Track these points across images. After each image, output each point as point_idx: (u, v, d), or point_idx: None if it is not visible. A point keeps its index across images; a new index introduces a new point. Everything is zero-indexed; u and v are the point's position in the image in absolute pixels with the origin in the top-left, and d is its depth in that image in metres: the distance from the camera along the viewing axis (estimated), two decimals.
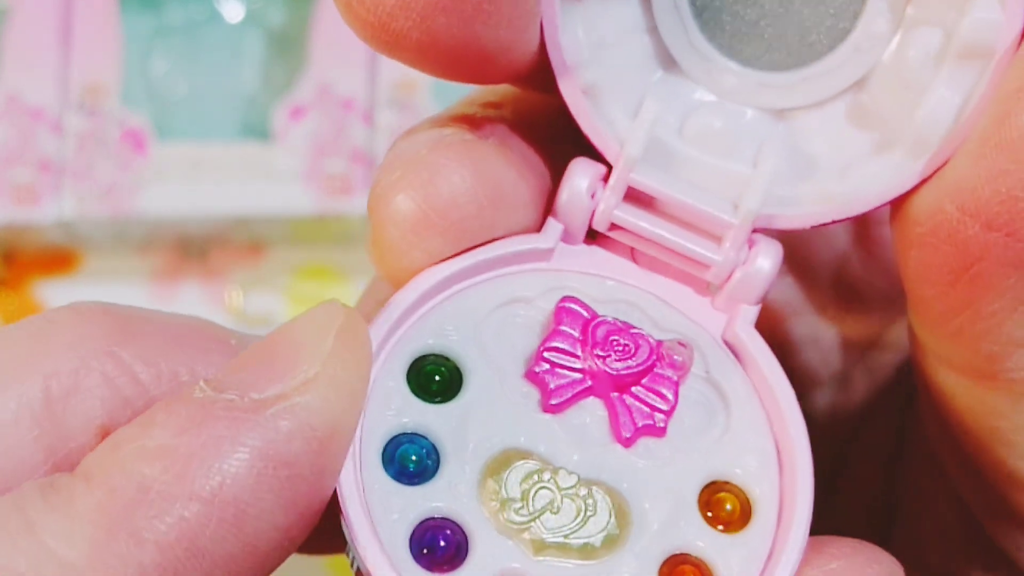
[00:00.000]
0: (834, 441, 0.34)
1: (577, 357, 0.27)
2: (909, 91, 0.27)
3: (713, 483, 0.26)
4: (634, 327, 0.27)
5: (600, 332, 0.27)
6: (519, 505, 0.25)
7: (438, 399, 0.26)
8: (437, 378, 0.26)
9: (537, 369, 0.26)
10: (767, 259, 0.27)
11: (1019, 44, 0.26)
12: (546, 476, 0.25)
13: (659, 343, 0.27)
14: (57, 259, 0.81)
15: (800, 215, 0.27)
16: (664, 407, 0.26)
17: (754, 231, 0.27)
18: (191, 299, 0.80)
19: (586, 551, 0.25)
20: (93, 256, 0.81)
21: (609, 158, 0.27)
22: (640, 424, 0.26)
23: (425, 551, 0.24)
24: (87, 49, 0.77)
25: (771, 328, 0.33)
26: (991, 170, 0.25)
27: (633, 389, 0.27)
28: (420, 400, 0.26)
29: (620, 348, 0.27)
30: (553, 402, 0.26)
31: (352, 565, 0.25)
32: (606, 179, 0.27)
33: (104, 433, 0.24)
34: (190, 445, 0.22)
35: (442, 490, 0.25)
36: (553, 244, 0.28)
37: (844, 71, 0.28)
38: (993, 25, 0.26)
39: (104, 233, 0.78)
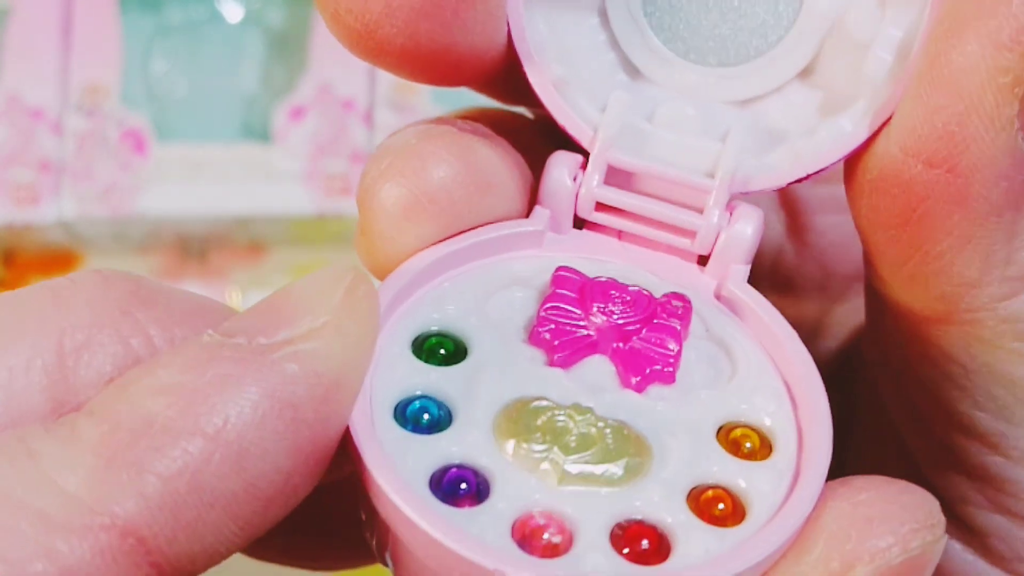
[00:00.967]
0: None
1: (577, 313, 0.27)
2: (856, 50, 0.28)
3: (727, 424, 0.27)
4: (629, 284, 0.28)
5: (599, 288, 0.27)
6: (537, 437, 0.25)
7: (445, 364, 0.26)
8: (442, 351, 0.26)
9: (539, 328, 0.27)
10: (749, 221, 0.28)
11: None
12: (559, 411, 0.26)
13: (656, 298, 0.28)
14: (57, 259, 0.81)
15: (774, 175, 0.28)
16: (670, 351, 0.27)
17: (733, 197, 0.28)
18: None
19: (609, 479, 0.25)
20: (93, 256, 0.81)
21: (584, 143, 0.28)
22: (648, 370, 0.27)
23: (448, 495, 0.24)
24: (87, 49, 0.77)
25: None
26: (928, 107, 0.25)
27: (636, 339, 0.27)
28: (427, 365, 0.26)
29: (620, 301, 0.27)
30: (558, 355, 0.26)
31: (369, 531, 0.25)
32: (584, 166, 0.28)
33: None
34: (195, 383, 0.22)
35: (457, 438, 0.25)
36: (543, 227, 0.28)
37: (796, 55, 0.29)
38: None
39: (104, 233, 0.78)
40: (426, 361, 0.26)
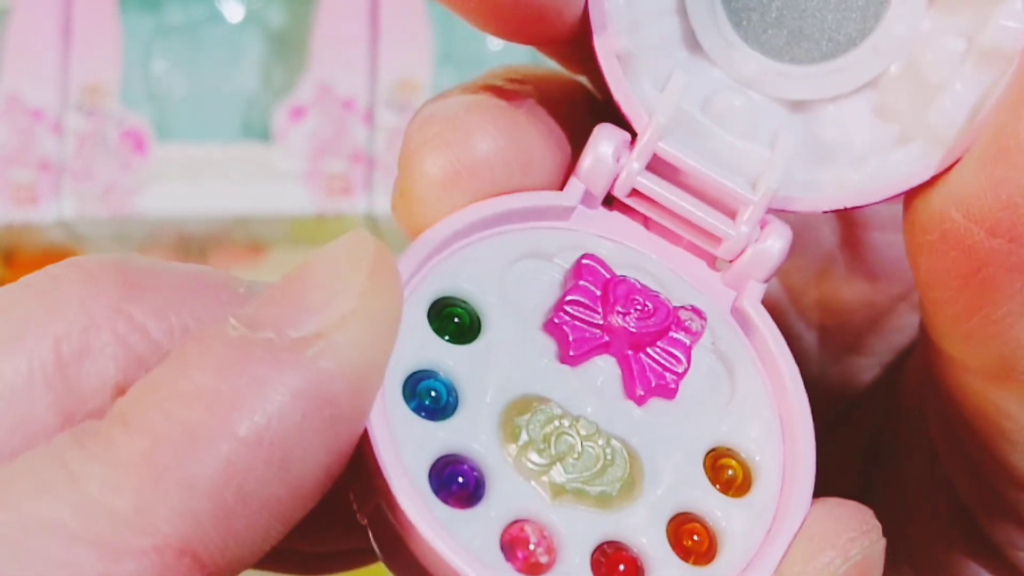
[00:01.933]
0: None
1: (597, 312, 0.27)
2: (925, 90, 0.28)
3: (716, 449, 0.27)
4: (651, 290, 0.28)
5: (621, 290, 0.27)
6: (541, 447, 0.25)
7: (458, 340, 0.26)
8: (456, 320, 0.26)
9: (556, 320, 0.27)
10: (778, 240, 0.28)
11: None
12: (567, 423, 0.26)
13: (675, 308, 0.27)
14: (57, 259, 0.81)
15: (815, 199, 0.28)
16: (677, 369, 0.27)
17: (768, 211, 0.28)
18: None
19: (602, 499, 0.25)
20: None
21: (636, 126, 0.28)
22: (654, 384, 0.27)
23: (444, 486, 0.25)
24: (87, 49, 0.77)
25: None
26: (992, 177, 0.25)
27: (648, 349, 0.27)
28: (440, 339, 0.26)
29: (639, 307, 0.27)
30: (572, 353, 0.26)
31: (360, 505, 0.25)
32: (630, 146, 0.28)
33: (119, 393, 0.23)
34: (233, 387, 0.22)
35: (462, 428, 0.25)
36: (575, 203, 0.28)
37: (862, 69, 0.29)
38: (1016, 33, 0.26)
39: (104, 233, 0.78)
40: (440, 330, 0.26)
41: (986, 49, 0.27)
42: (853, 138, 0.29)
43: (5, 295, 0.24)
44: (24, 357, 0.23)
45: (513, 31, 0.27)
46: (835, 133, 0.29)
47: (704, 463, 0.26)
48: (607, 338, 0.27)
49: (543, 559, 0.24)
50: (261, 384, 0.22)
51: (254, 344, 0.22)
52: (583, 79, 0.30)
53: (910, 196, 0.27)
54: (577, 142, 0.28)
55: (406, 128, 0.28)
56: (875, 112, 0.29)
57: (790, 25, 0.29)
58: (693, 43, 0.29)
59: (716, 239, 0.28)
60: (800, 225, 0.30)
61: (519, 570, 0.24)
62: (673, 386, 0.27)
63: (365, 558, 0.30)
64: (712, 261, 0.29)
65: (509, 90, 0.28)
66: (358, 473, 0.25)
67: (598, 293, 0.27)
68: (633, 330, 0.27)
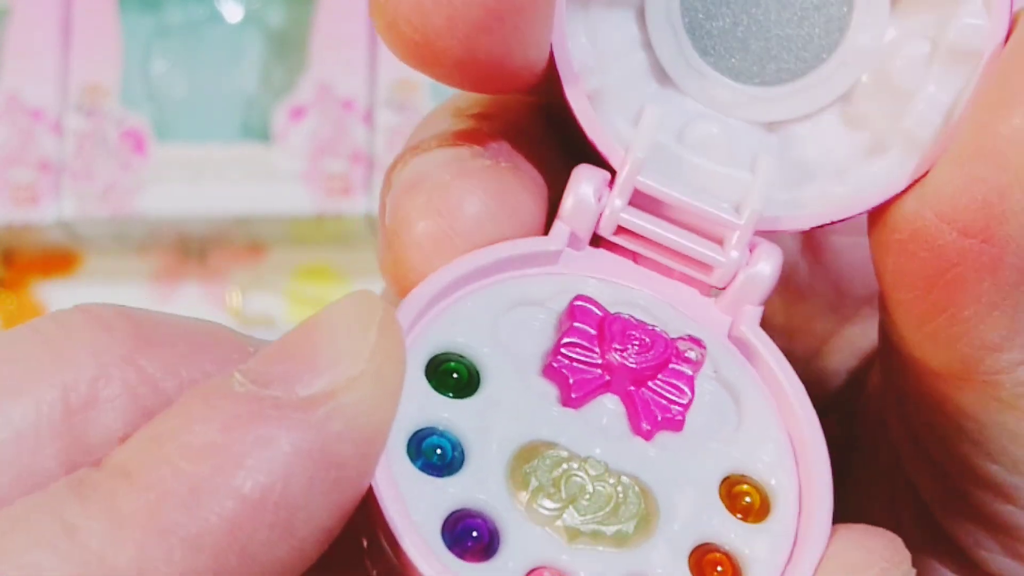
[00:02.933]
0: None
1: (594, 352, 0.27)
2: (897, 97, 0.28)
3: (730, 477, 0.26)
4: (647, 324, 0.27)
5: (616, 327, 0.27)
6: (552, 491, 0.25)
7: (458, 395, 0.26)
8: (455, 376, 0.26)
9: (555, 364, 0.26)
10: (769, 261, 0.28)
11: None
12: (575, 465, 0.25)
13: (674, 339, 0.27)
14: (57, 259, 0.81)
15: (800, 217, 0.28)
16: (682, 401, 0.27)
17: (755, 233, 0.28)
18: (191, 299, 0.80)
19: (619, 538, 0.25)
20: (93, 256, 0.81)
21: (613, 163, 0.28)
22: (660, 418, 0.27)
23: (458, 542, 0.24)
24: (87, 49, 0.77)
25: None
26: (968, 177, 0.25)
27: (650, 384, 0.27)
28: (441, 396, 0.26)
29: (637, 342, 0.27)
30: (574, 396, 0.26)
31: (372, 563, 0.25)
32: (609, 184, 0.28)
33: None
34: (241, 444, 0.21)
35: (470, 483, 0.25)
36: (561, 247, 0.28)
37: (832, 83, 0.29)
38: (980, 30, 0.26)
39: (104, 233, 0.78)
40: (439, 387, 0.26)
41: (953, 50, 0.27)
42: (831, 153, 0.29)
43: (14, 339, 0.24)
44: (32, 404, 0.23)
45: (489, 87, 0.27)
46: (812, 150, 0.29)
47: (720, 492, 0.26)
48: (608, 376, 0.27)
49: None
50: (268, 443, 0.21)
51: (261, 401, 0.22)
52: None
53: (887, 201, 0.27)
54: (553, 170, 0.29)
55: (391, 181, 0.28)
56: (850, 124, 0.29)
57: (756, 47, 0.29)
58: (662, 75, 0.29)
59: (707, 267, 0.28)
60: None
61: None
62: (679, 418, 0.27)
63: None
64: (705, 289, 0.29)
65: (485, 134, 0.28)
66: (371, 538, 0.25)
67: (594, 333, 0.27)
68: (633, 366, 0.27)
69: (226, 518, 0.21)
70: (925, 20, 0.28)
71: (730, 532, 0.26)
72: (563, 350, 0.27)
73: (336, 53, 0.77)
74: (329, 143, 0.76)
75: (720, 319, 0.28)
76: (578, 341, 0.27)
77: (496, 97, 0.30)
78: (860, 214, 0.28)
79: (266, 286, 0.81)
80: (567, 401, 0.26)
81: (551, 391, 0.27)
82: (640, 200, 0.28)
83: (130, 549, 0.21)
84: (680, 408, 0.27)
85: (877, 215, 0.27)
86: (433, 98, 0.76)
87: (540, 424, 0.26)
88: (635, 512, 0.25)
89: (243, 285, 0.81)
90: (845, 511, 0.30)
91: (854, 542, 0.25)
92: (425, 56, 0.26)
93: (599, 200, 0.28)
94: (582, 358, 0.27)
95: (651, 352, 0.27)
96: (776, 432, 0.27)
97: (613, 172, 0.28)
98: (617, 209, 0.28)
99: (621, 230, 0.28)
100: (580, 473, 0.25)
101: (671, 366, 0.27)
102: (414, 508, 0.24)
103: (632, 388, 0.27)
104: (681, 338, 0.27)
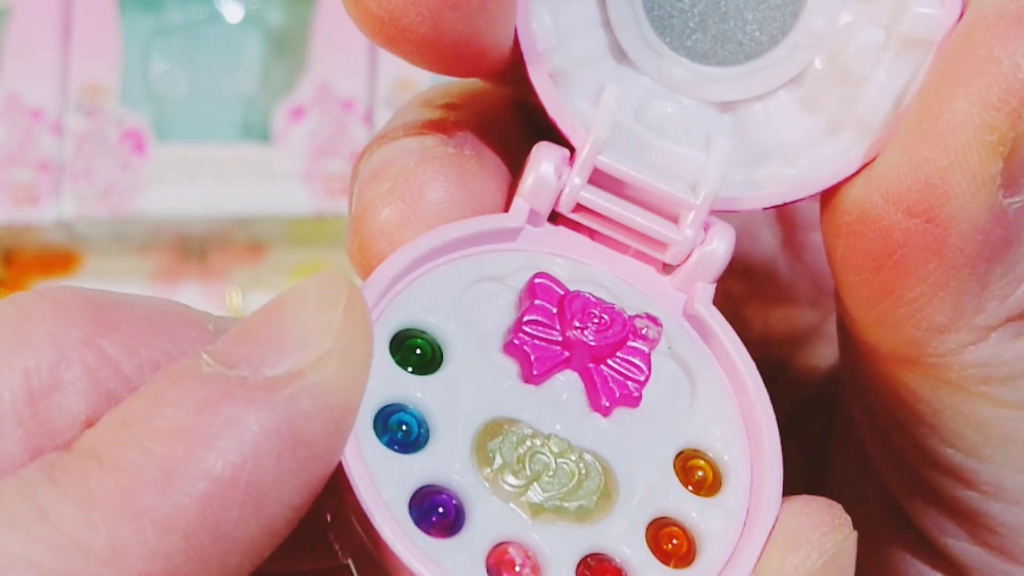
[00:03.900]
0: None
1: (555, 329, 0.27)
2: (850, 82, 0.28)
3: (684, 452, 0.27)
4: (606, 302, 0.28)
5: (576, 305, 0.28)
6: (516, 468, 0.26)
7: (422, 371, 0.26)
8: (419, 352, 0.27)
9: (517, 341, 0.27)
10: (723, 240, 0.28)
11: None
12: (538, 442, 0.26)
13: (631, 317, 0.28)
14: (57, 259, 0.81)
15: (755, 197, 0.29)
16: (639, 378, 0.27)
17: (711, 213, 0.29)
18: (191, 299, 0.80)
19: (581, 513, 0.26)
20: (93, 256, 0.81)
21: (574, 141, 0.28)
22: (618, 394, 0.27)
23: (425, 518, 0.25)
24: (87, 49, 0.77)
25: None
26: (913, 159, 0.25)
27: (608, 361, 0.27)
28: (405, 372, 0.26)
29: (596, 320, 0.27)
30: (535, 372, 0.27)
31: (342, 545, 0.25)
32: (569, 161, 0.28)
33: (88, 428, 0.23)
34: (208, 425, 0.21)
35: (436, 459, 0.25)
36: (521, 224, 0.28)
37: (786, 66, 0.29)
38: (932, 19, 0.27)
39: (104, 233, 0.78)
40: (403, 363, 0.26)
41: (905, 37, 0.27)
42: (784, 134, 0.29)
43: None
44: None
45: (455, 69, 0.27)
46: (767, 131, 0.29)
47: (674, 466, 0.27)
48: (567, 353, 0.27)
49: None
50: (237, 423, 0.22)
51: (229, 382, 0.22)
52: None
53: (839, 183, 0.28)
54: (518, 159, 0.29)
55: (358, 170, 0.28)
56: (803, 107, 0.29)
57: (713, 28, 0.29)
58: (620, 54, 0.29)
59: (662, 245, 0.29)
60: (742, 228, 0.30)
61: None
62: (636, 394, 0.27)
63: None
64: (660, 267, 0.29)
65: (452, 124, 0.29)
66: (337, 513, 0.25)
67: (554, 310, 0.27)
68: (592, 343, 0.27)
69: (197, 499, 0.21)
70: (879, 7, 0.28)
71: (685, 505, 0.26)
72: (525, 327, 0.27)
73: (336, 53, 0.77)
74: (329, 143, 0.76)
75: (675, 297, 0.29)
76: (539, 318, 0.27)
77: (465, 87, 0.30)
78: (813, 195, 0.28)
79: (266, 286, 0.81)
80: (528, 378, 0.27)
81: (513, 368, 0.27)
82: (599, 178, 0.28)
83: (103, 532, 0.21)
84: (637, 385, 0.27)
85: (828, 198, 0.28)
86: None
87: (503, 401, 0.26)
88: (596, 487, 0.26)
89: (243, 285, 0.81)
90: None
91: (796, 510, 0.26)
92: (391, 34, 0.26)
93: (559, 178, 0.28)
94: (543, 335, 0.27)
95: (610, 330, 0.27)
96: (728, 408, 0.28)
97: (573, 150, 0.28)
98: (577, 187, 0.28)
99: (580, 208, 0.29)
100: (544, 450, 0.26)
101: (629, 343, 0.27)
102: (381, 484, 0.24)
103: (591, 365, 0.27)
104: (638, 316, 0.28)
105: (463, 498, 0.25)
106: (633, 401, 0.27)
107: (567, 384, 0.27)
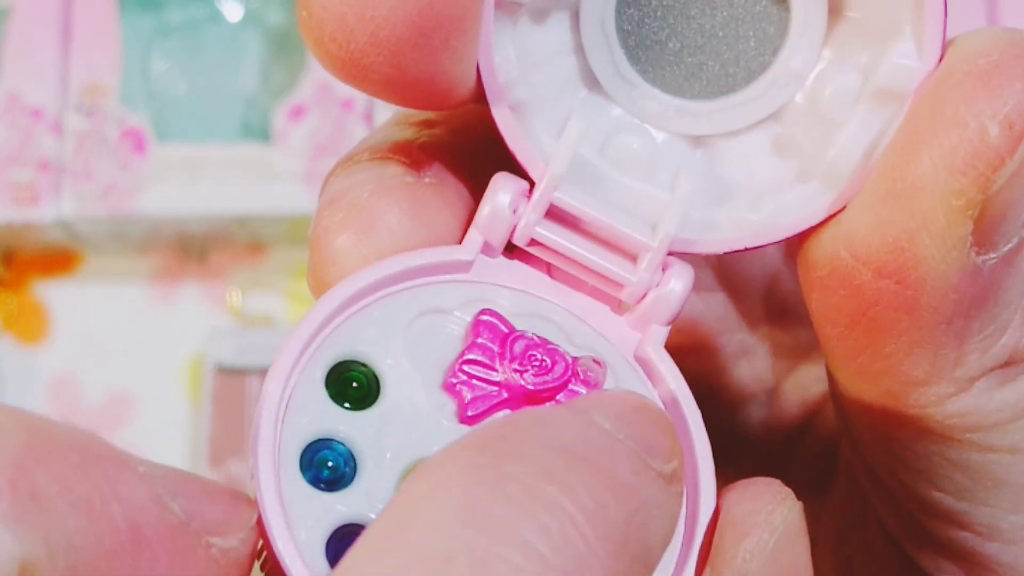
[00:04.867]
0: (769, 455, 0.35)
1: (494, 370, 0.27)
2: (824, 126, 0.28)
3: None
4: (551, 343, 0.28)
5: (518, 347, 0.27)
6: None
7: (356, 406, 0.26)
8: (355, 384, 0.26)
9: (454, 380, 0.27)
10: (680, 282, 0.28)
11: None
12: None
13: (574, 359, 0.27)
14: (57, 259, 0.81)
15: (714, 241, 0.28)
16: None
17: (669, 254, 0.28)
18: (191, 299, 0.80)
19: None
20: (93, 256, 0.81)
21: (533, 176, 0.28)
22: None
23: (340, 556, 0.24)
24: (87, 49, 0.77)
25: (703, 343, 0.34)
26: (879, 219, 0.25)
27: (547, 405, 0.27)
28: (338, 407, 0.26)
29: (537, 363, 0.27)
30: (469, 413, 0.26)
31: (262, 568, 0.25)
32: (528, 194, 0.28)
33: (23, 570, 0.22)
34: None
35: (359, 498, 0.25)
36: (473, 256, 0.28)
37: (761, 104, 0.29)
38: (908, 71, 0.26)
39: (103, 233, 0.78)
40: (338, 396, 0.26)
41: (880, 88, 0.27)
42: (753, 175, 0.29)
43: None
44: None
45: (422, 103, 0.27)
46: (736, 170, 0.29)
47: None
48: (505, 395, 0.27)
49: None
50: None
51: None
52: None
53: (804, 233, 0.27)
54: (483, 183, 0.28)
55: (321, 192, 0.28)
56: (776, 147, 0.29)
57: (688, 60, 0.29)
58: (592, 81, 0.29)
59: (618, 284, 0.28)
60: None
61: None
62: None
63: None
64: (617, 303, 0.29)
65: (418, 147, 0.28)
66: (262, 551, 0.25)
67: (496, 349, 0.27)
68: (531, 387, 0.27)
69: None
70: (859, 53, 0.27)
71: None
72: (463, 367, 0.27)
73: None
74: (329, 143, 0.76)
75: (629, 336, 0.28)
76: (479, 358, 0.27)
77: (446, 113, 0.30)
78: (775, 243, 0.28)
79: (266, 286, 0.81)
80: (463, 418, 0.26)
81: (449, 405, 0.27)
82: (556, 213, 0.28)
83: None
84: None
85: (797, 248, 0.27)
86: None
87: (435, 440, 0.26)
88: None
89: (243, 285, 0.81)
90: (823, 534, 0.30)
91: (737, 497, 0.26)
92: (353, 73, 0.26)
93: (515, 212, 0.28)
94: (481, 376, 0.27)
95: (550, 374, 0.27)
96: None
97: (532, 183, 0.28)
98: (532, 222, 0.28)
99: (535, 242, 0.28)
100: None
101: (571, 387, 0.27)
102: (300, 523, 0.24)
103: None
104: (583, 357, 0.28)
105: None
106: None
107: None
